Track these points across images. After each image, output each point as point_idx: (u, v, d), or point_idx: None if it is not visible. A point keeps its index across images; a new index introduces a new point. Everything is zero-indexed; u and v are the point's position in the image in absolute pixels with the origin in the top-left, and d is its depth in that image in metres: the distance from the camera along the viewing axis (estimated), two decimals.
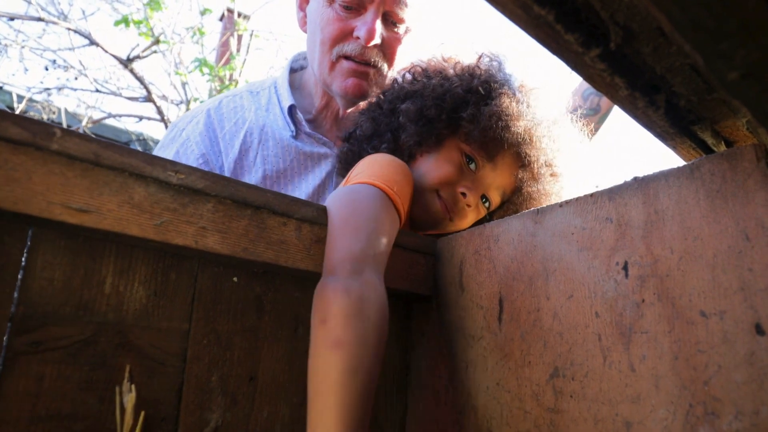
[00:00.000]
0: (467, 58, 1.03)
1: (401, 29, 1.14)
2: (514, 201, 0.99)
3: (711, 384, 0.48)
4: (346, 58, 1.12)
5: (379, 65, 1.14)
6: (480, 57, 1.01)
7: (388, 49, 1.14)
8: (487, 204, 0.97)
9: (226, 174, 1.15)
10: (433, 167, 0.95)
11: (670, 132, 0.54)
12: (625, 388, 0.55)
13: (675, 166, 0.57)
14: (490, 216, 1.01)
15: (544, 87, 1.01)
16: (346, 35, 1.11)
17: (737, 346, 0.47)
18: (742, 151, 0.51)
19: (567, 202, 0.66)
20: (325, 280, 0.65)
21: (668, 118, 0.51)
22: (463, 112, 0.93)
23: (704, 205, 0.53)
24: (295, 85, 1.28)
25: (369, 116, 1.04)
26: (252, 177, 1.15)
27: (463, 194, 0.93)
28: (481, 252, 0.76)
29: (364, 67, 1.12)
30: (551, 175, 0.97)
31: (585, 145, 1.03)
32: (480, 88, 0.95)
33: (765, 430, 0.44)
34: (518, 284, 0.69)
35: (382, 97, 1.05)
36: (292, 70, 1.31)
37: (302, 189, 1.17)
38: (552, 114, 0.99)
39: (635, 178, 0.59)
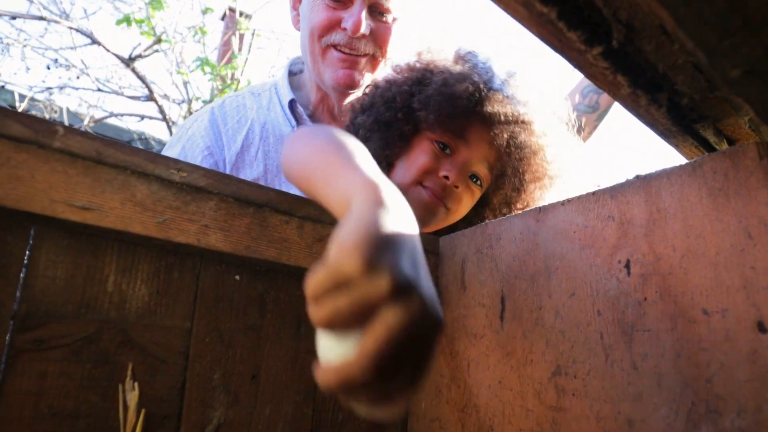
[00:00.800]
0: (411, 57, 1.07)
1: (389, 18, 1.17)
2: (500, 168, 0.98)
3: (713, 382, 0.48)
4: (335, 47, 1.14)
5: (371, 53, 1.17)
6: (420, 53, 1.06)
7: (379, 39, 1.16)
8: (478, 182, 0.98)
9: (228, 168, 1.17)
10: (410, 164, 0.97)
11: (673, 130, 0.54)
12: (627, 386, 0.55)
13: (677, 165, 0.56)
14: (488, 198, 1.00)
15: (487, 50, 1.04)
16: (333, 26, 1.13)
17: (739, 344, 0.47)
18: (745, 149, 0.51)
19: (569, 201, 0.66)
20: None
21: (670, 117, 0.51)
22: (413, 104, 0.97)
23: (706, 203, 0.53)
24: (294, 86, 1.30)
25: None
26: (253, 171, 1.17)
27: (446, 177, 0.93)
28: (483, 250, 0.76)
29: (353, 57, 1.15)
30: (522, 124, 0.96)
31: (549, 86, 1.05)
32: (420, 77, 0.99)
33: (767, 428, 0.44)
34: (520, 282, 0.69)
35: (349, 122, 1.10)
36: (291, 73, 1.34)
37: None
38: (503, 69, 1.01)
39: (637, 177, 0.59)
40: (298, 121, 1.23)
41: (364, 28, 1.11)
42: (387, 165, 1.01)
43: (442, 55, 1.04)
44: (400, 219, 0.46)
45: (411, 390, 0.41)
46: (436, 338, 0.41)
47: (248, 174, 1.17)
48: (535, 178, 0.98)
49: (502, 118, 0.94)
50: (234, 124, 1.21)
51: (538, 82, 1.03)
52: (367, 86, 1.11)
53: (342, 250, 0.41)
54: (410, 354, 0.40)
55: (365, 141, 0.99)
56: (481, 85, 0.95)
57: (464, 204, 0.98)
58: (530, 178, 0.98)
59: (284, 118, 1.23)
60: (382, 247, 0.41)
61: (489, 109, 0.94)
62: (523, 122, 0.96)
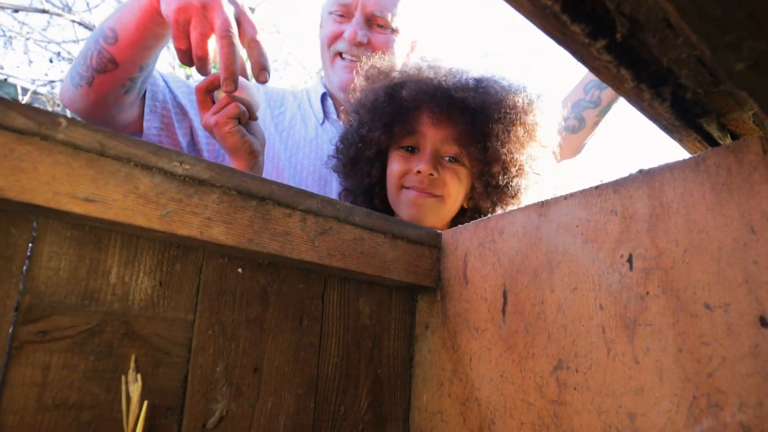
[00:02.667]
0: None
1: (387, 31, 1.34)
2: (471, 137, 1.00)
3: (715, 376, 0.49)
4: (340, 55, 1.33)
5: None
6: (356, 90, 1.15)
7: (376, 48, 1.32)
8: (455, 162, 1.02)
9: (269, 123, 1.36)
10: (389, 176, 1.06)
11: (676, 125, 0.54)
12: (629, 380, 0.55)
13: (680, 159, 0.56)
14: (487, 166, 1.01)
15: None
16: (338, 36, 1.33)
17: (741, 339, 0.47)
18: (748, 144, 0.51)
19: (572, 195, 0.66)
20: None
21: (674, 111, 0.51)
22: (360, 131, 1.07)
23: (709, 197, 0.52)
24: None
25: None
26: (283, 143, 1.34)
27: (419, 171, 0.99)
28: (486, 245, 0.76)
29: (354, 63, 1.31)
30: (457, 88, 1.00)
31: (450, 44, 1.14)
32: (357, 103, 1.10)
33: None
34: (523, 277, 0.69)
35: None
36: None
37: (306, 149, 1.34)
38: (421, 58, 1.10)
39: (640, 171, 0.59)
40: (326, 114, 1.41)
41: (359, 37, 1.29)
42: (374, 189, 1.09)
43: (360, 85, 1.13)
44: None
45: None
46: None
47: (277, 138, 1.34)
48: (508, 140, 0.99)
49: (432, 95, 1.00)
50: (275, 103, 1.42)
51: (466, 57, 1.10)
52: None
53: None
54: None
55: (347, 177, 1.12)
56: (397, 82, 1.03)
57: (451, 185, 1.01)
58: (496, 135, 0.98)
59: (311, 112, 1.41)
60: None
61: (418, 95, 1.00)
62: (454, 88, 1.00)
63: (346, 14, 1.32)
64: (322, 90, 1.43)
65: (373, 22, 1.32)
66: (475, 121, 0.99)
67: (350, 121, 1.14)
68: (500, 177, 1.01)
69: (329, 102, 1.42)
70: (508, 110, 0.99)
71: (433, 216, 1.00)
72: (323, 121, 1.40)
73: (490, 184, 1.02)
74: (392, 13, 1.32)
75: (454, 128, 1.01)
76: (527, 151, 1.01)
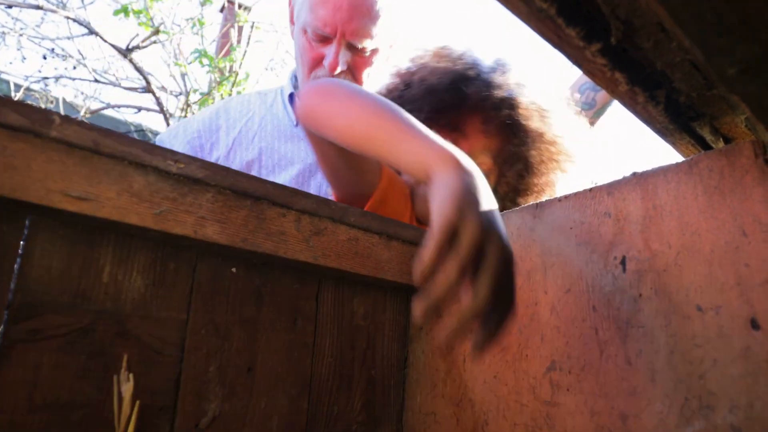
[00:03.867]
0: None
1: (366, 52, 1.28)
2: (509, 154, 0.97)
3: (706, 378, 0.49)
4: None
5: None
6: (402, 62, 1.10)
7: (356, 72, 1.28)
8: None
9: (223, 151, 1.30)
10: None
11: (670, 128, 0.54)
12: (622, 382, 0.55)
13: (674, 162, 0.57)
14: (513, 194, 0.99)
15: (467, 42, 1.09)
16: (318, 62, 1.26)
17: (733, 341, 0.48)
18: (741, 148, 0.51)
19: (566, 197, 0.66)
20: (298, 103, 0.73)
21: (668, 114, 0.51)
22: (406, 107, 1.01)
23: (702, 200, 0.53)
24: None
25: None
26: (248, 154, 1.29)
27: None
28: None
29: None
30: (511, 105, 0.96)
31: (541, 71, 1.05)
32: (407, 80, 1.02)
33: (759, 424, 0.45)
34: (517, 278, 0.69)
35: None
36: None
37: (294, 166, 1.29)
38: (488, 57, 1.02)
39: (634, 174, 0.59)
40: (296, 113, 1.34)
41: (340, 66, 1.22)
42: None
43: (423, 56, 1.06)
44: (481, 183, 0.56)
45: (511, 316, 0.52)
46: (514, 268, 0.53)
47: (243, 156, 1.29)
48: (543, 161, 0.96)
49: (494, 104, 0.94)
50: (236, 114, 1.35)
51: (529, 67, 1.02)
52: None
53: (444, 206, 0.51)
54: (506, 283, 0.51)
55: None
56: (467, 75, 0.96)
57: None
58: (537, 161, 0.96)
59: (284, 112, 1.35)
60: (473, 202, 0.52)
61: (478, 97, 0.94)
62: (517, 105, 0.95)
63: (322, 39, 1.24)
64: (290, 89, 1.39)
65: (353, 45, 1.25)
66: (524, 146, 0.95)
67: (392, 85, 1.05)
68: (518, 197, 1.00)
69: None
70: (556, 149, 0.96)
71: None
72: (297, 123, 1.36)
73: (505, 207, 1.01)
74: (371, 36, 1.24)
75: (500, 145, 0.97)
76: (554, 188, 1.00)
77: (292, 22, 1.38)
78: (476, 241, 0.49)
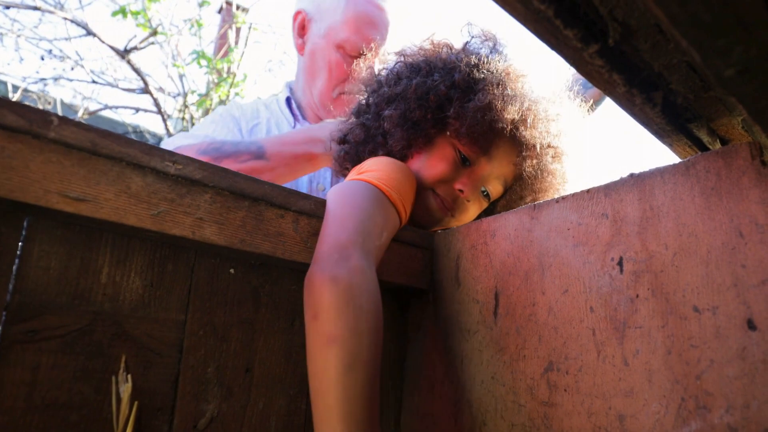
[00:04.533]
0: (453, 44, 1.00)
1: None
2: (516, 187, 0.96)
3: (703, 378, 0.49)
4: (343, 93, 1.37)
5: None
6: (465, 44, 0.98)
7: None
8: (487, 195, 0.94)
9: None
10: (427, 166, 0.93)
11: (667, 129, 0.55)
12: (619, 382, 0.55)
13: (671, 164, 0.57)
14: (493, 205, 0.98)
15: (534, 68, 0.97)
16: (347, 78, 1.33)
17: (729, 341, 0.48)
18: (737, 149, 0.51)
19: (564, 198, 0.66)
20: (311, 269, 0.64)
21: (665, 116, 0.51)
22: (447, 111, 0.90)
23: (699, 201, 0.53)
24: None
25: (358, 122, 1.03)
26: None
27: (461, 191, 0.90)
28: (478, 247, 0.76)
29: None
30: (553, 156, 0.93)
31: (585, 122, 1.00)
32: (463, 82, 0.91)
33: (755, 424, 0.45)
34: (514, 279, 0.69)
35: (368, 99, 1.03)
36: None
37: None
38: (545, 94, 0.94)
39: (631, 175, 0.60)
40: (295, 117, 1.49)
41: None
42: (402, 157, 0.96)
43: (488, 57, 0.96)
44: None
45: None
46: None
47: None
48: (543, 190, 0.96)
49: (536, 145, 0.90)
50: (249, 117, 1.49)
51: (575, 108, 0.98)
52: (396, 61, 1.04)
53: None
54: None
55: (388, 134, 0.96)
56: (524, 114, 0.89)
57: (470, 214, 0.94)
58: (539, 190, 0.95)
59: (283, 116, 1.50)
60: None
61: (526, 134, 0.89)
62: (554, 156, 0.93)
63: (358, 56, 1.28)
64: (286, 94, 1.52)
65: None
66: (537, 180, 0.93)
67: (430, 68, 0.96)
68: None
69: (294, 105, 1.50)
70: (557, 182, 0.95)
71: (434, 227, 0.98)
72: (294, 123, 1.48)
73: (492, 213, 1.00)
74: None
75: (516, 174, 0.94)
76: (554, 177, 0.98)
77: (301, 34, 1.48)
78: None
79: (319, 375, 0.59)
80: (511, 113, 0.87)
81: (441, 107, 0.91)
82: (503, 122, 0.87)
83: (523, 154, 0.90)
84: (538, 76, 0.96)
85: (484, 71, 0.92)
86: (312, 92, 1.47)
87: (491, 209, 0.99)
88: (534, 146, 0.90)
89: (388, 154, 0.96)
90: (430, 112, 0.92)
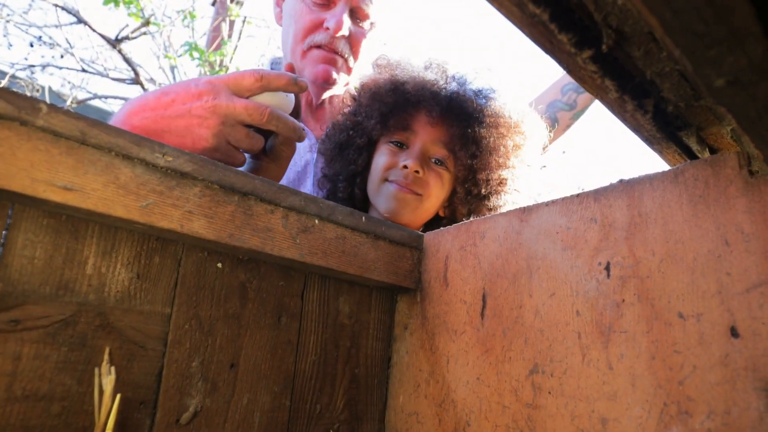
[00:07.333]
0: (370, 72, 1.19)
1: (366, 24, 1.28)
2: (457, 145, 1.05)
3: (686, 384, 0.50)
4: (317, 47, 1.24)
5: (346, 56, 1.27)
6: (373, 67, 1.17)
7: (354, 43, 1.27)
8: (441, 165, 1.05)
9: None
10: (374, 167, 1.08)
11: (657, 137, 0.55)
12: (603, 386, 0.56)
13: (660, 171, 0.57)
14: (472, 173, 1.05)
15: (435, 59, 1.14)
16: (316, 26, 1.23)
17: (712, 348, 0.48)
18: (726, 158, 0.52)
19: (553, 202, 0.66)
20: None
21: (656, 123, 0.52)
22: (358, 119, 1.10)
23: (687, 209, 0.54)
24: None
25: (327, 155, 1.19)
26: None
27: (405, 166, 1.01)
28: (467, 248, 0.76)
29: (332, 54, 1.26)
30: (458, 95, 1.05)
31: (482, 69, 1.13)
32: (357, 94, 1.12)
33: (736, 429, 0.46)
34: (502, 281, 0.69)
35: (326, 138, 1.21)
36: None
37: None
38: (426, 59, 1.12)
39: (621, 181, 0.60)
40: None
41: (344, 29, 1.21)
42: (356, 178, 1.11)
43: (369, 73, 1.16)
44: None
45: None
46: None
47: None
48: (492, 136, 1.03)
49: (434, 96, 1.03)
50: None
51: (468, 62, 1.13)
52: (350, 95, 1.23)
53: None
54: None
55: (331, 162, 1.14)
56: (404, 78, 1.05)
57: (433, 186, 1.04)
58: (486, 137, 1.03)
59: None
60: None
61: (420, 93, 1.03)
62: (456, 92, 1.04)
63: (325, 2, 1.23)
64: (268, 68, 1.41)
65: (356, 14, 1.25)
66: (469, 127, 1.02)
67: (346, 107, 1.16)
68: (483, 186, 1.04)
69: None
70: (501, 124, 1.04)
71: (409, 212, 1.02)
72: None
73: (471, 192, 1.04)
74: (373, 5, 1.26)
75: (447, 131, 1.04)
76: (512, 166, 1.05)
77: (278, 3, 1.40)
78: None
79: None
80: (391, 83, 1.06)
81: (353, 121, 1.12)
82: (390, 92, 1.05)
83: (430, 109, 1.04)
84: (430, 60, 1.14)
85: (365, 79, 1.14)
86: (287, 59, 1.36)
87: (455, 191, 1.06)
88: (431, 97, 1.04)
89: (353, 196, 1.15)
90: (348, 130, 1.13)
